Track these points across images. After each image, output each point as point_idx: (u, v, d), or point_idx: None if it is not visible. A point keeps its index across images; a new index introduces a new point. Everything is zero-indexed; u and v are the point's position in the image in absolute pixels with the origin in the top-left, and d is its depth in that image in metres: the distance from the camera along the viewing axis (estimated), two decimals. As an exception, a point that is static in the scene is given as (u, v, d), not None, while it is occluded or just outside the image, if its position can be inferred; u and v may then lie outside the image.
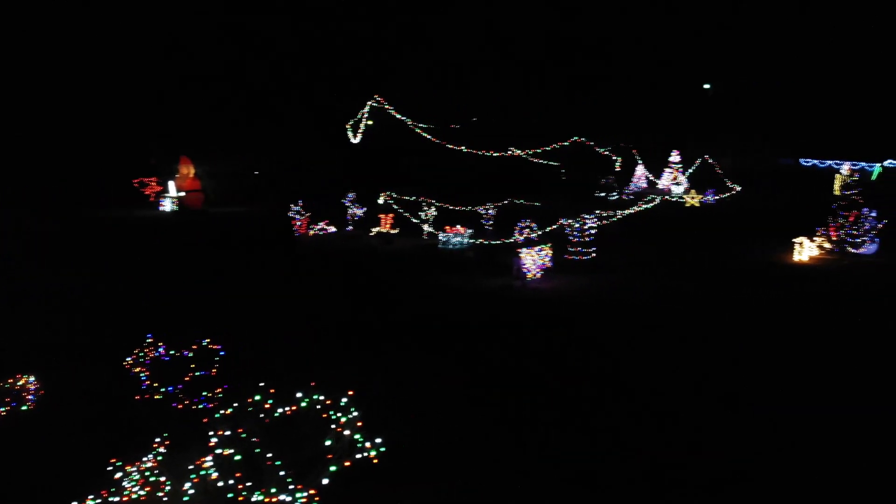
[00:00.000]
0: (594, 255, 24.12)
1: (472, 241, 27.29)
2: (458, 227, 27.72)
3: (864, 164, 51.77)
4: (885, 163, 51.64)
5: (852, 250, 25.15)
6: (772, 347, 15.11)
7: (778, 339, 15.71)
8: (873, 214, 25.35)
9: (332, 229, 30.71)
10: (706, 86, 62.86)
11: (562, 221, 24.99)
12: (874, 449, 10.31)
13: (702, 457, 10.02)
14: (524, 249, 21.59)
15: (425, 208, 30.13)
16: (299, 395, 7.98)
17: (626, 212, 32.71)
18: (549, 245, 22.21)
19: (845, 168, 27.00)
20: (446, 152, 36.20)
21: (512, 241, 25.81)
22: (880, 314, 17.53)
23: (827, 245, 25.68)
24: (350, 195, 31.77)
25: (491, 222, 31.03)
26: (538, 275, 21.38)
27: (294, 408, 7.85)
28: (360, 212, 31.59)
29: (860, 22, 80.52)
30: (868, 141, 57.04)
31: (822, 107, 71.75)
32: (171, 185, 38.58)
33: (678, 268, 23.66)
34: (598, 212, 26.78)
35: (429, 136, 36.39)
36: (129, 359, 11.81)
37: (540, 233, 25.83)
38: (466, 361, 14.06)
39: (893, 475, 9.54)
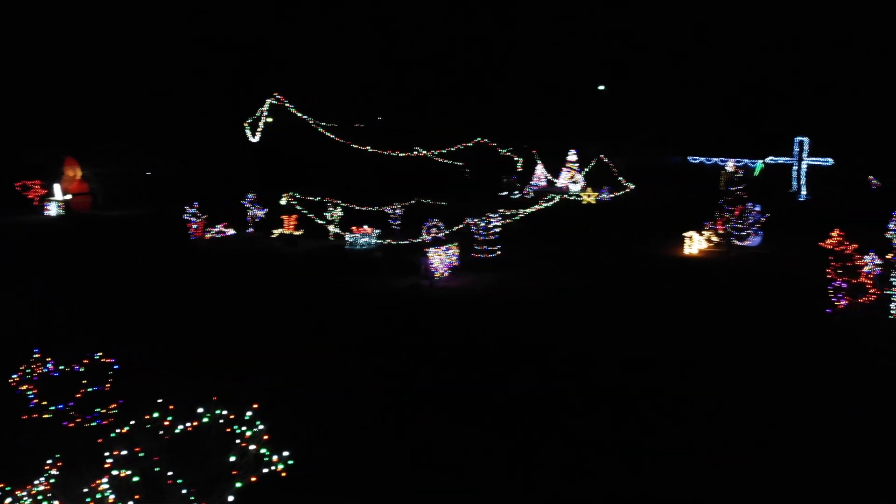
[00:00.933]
0: (499, 252, 24.55)
1: (379, 241, 27.15)
2: (366, 227, 27.51)
3: (747, 160, 55.22)
4: (767, 159, 55.24)
5: (738, 243, 26.71)
6: (665, 331, 15.91)
7: (670, 324, 16.56)
8: (757, 209, 27.03)
9: (231, 232, 29.69)
10: (600, 87, 65.28)
11: (468, 221, 25.29)
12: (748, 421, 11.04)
13: (611, 444, 10.37)
14: (432, 249, 21.69)
15: (330, 209, 29.69)
16: (200, 409, 7.66)
17: (529, 210, 33.50)
18: (455, 244, 22.40)
19: (730, 165, 28.59)
20: (351, 152, 35.78)
21: (419, 240, 25.86)
22: (763, 300, 18.85)
23: (714, 238, 27.16)
24: (250, 196, 30.83)
25: (398, 222, 30.98)
26: (446, 274, 21.54)
27: (195, 423, 7.53)
28: (260, 213, 30.70)
29: (742, 26, 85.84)
30: (750, 139, 60.94)
31: (709, 108, 76.15)
32: (57, 187, 36.27)
33: (577, 263, 24.52)
34: (501, 210, 27.26)
35: (332, 136, 35.83)
36: (14, 376, 11.03)
37: (447, 232, 26.02)
38: (377, 365, 13.95)
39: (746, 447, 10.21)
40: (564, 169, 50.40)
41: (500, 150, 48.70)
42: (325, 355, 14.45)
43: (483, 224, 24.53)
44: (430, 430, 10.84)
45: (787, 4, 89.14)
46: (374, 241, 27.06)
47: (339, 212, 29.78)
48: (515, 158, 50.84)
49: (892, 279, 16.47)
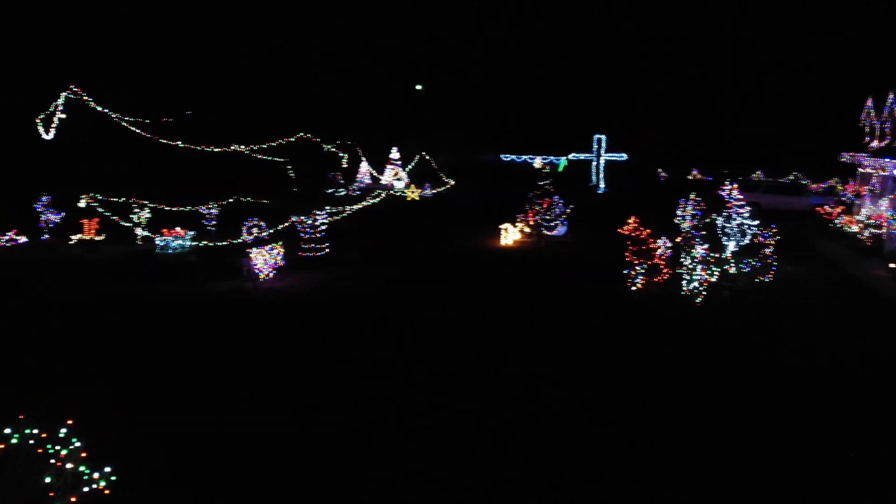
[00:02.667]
0: (328, 250, 24.32)
1: (194, 243, 25.72)
2: (178, 229, 25.89)
3: (552, 157, 59.32)
4: (570, 156, 59.70)
5: (547, 232, 28.75)
6: (489, 312, 16.75)
7: (493, 306, 17.47)
8: (562, 201, 29.25)
9: (23, 239, 26.57)
10: (418, 87, 66.79)
11: (293, 219, 24.74)
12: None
13: (470, 436, 10.71)
14: (254, 249, 20.95)
15: (137, 210, 27.58)
16: (7, 430, 6.85)
17: (355, 207, 33.53)
18: (280, 243, 21.80)
19: (538, 162, 30.59)
20: (160, 148, 33.35)
21: (240, 241, 24.85)
22: (573, 282, 20.61)
23: (527, 229, 28.99)
24: (44, 199, 27.76)
25: (214, 222, 29.54)
26: (271, 274, 20.92)
27: (2, 446, 6.72)
28: (56, 217, 27.75)
29: (547, 31, 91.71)
30: (555, 138, 65.55)
31: (517, 109, 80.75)
32: None
33: (404, 257, 25.04)
34: (328, 208, 27.03)
35: (138, 131, 33.18)
36: None
37: (270, 231, 25.26)
38: (197, 371, 13.25)
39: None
40: (388, 166, 51.06)
41: (324, 146, 48.05)
42: (141, 365, 13.46)
43: (309, 222, 24.15)
44: (261, 436, 10.51)
45: (582, 16, 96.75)
46: (188, 243, 25.58)
47: (146, 213, 27.77)
48: (340, 154, 50.51)
49: (681, 259, 18.59)
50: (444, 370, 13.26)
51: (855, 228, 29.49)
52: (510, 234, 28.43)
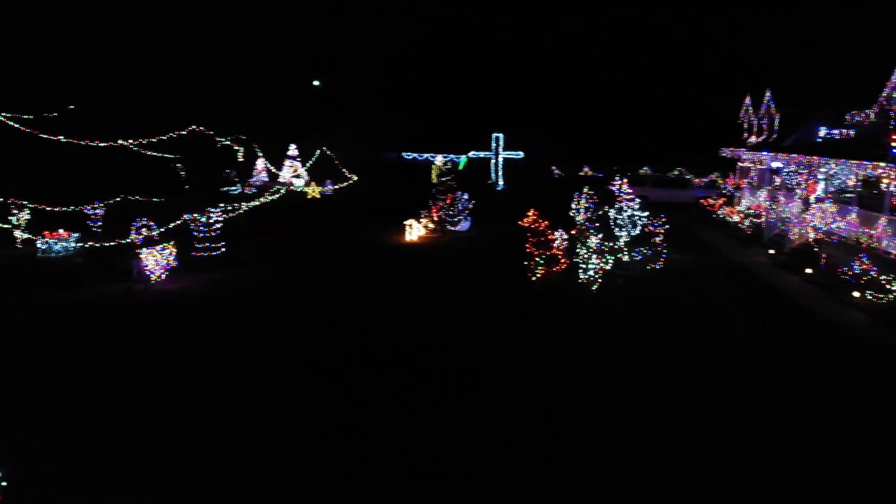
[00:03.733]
0: (224, 249, 23.49)
1: (79, 245, 24.19)
2: (61, 231, 24.27)
3: (453, 156, 59.93)
4: (470, 154, 60.46)
5: (451, 228, 29.02)
6: (398, 307, 16.71)
7: (402, 301, 17.44)
8: (465, 197, 29.61)
9: None
10: (316, 83, 65.67)
11: (185, 217, 23.71)
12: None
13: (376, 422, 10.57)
14: (144, 250, 19.93)
15: (16, 211, 25.65)
16: None
17: (253, 203, 32.57)
18: (172, 243, 20.83)
19: (439, 159, 30.88)
20: (40, 144, 31.08)
21: (129, 241, 23.57)
22: (478, 274, 20.87)
23: (431, 225, 29.17)
24: None
25: (100, 223, 27.91)
26: (163, 276, 19.99)
27: None
28: (-80, 221, 25.41)
29: (448, 32, 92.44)
30: (454, 137, 66.23)
31: (419, 108, 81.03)
32: None
33: (303, 255, 24.56)
34: (223, 205, 26.10)
35: (17, 126, 30.80)
36: None
37: (161, 230, 24.10)
38: (86, 378, 12.48)
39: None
40: (286, 163, 49.85)
41: (218, 140, 46.27)
42: (25, 374, 12.52)
43: (203, 220, 23.23)
44: (157, 442, 10.03)
45: (481, 17, 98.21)
46: (72, 245, 24.04)
47: (26, 214, 25.88)
48: (236, 148, 48.86)
49: (577, 250, 19.22)
50: (349, 365, 13.12)
51: (736, 218, 31.54)
52: (415, 230, 28.51)
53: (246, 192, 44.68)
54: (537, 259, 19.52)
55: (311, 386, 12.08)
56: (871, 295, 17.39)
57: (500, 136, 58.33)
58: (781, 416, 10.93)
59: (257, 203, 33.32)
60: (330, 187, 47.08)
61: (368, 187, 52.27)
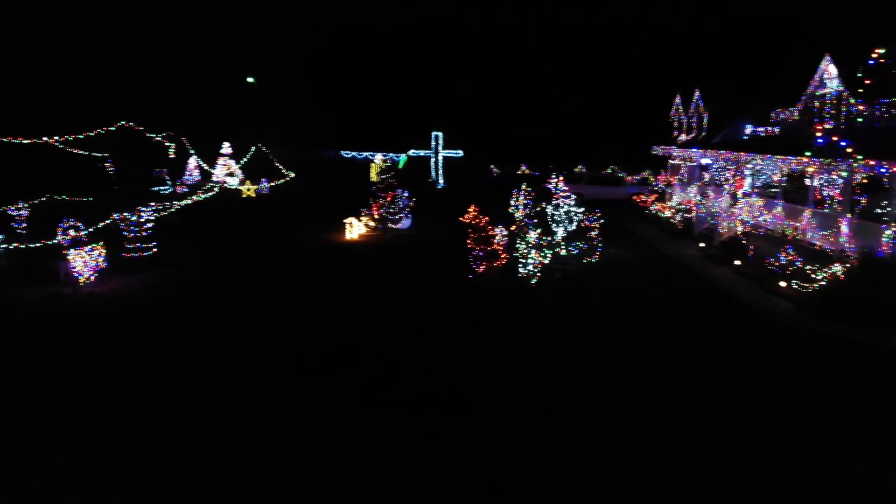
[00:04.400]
0: (155, 250, 22.74)
1: (3, 247, 22.99)
2: (-20, 232, 23.02)
3: (392, 154, 59.76)
4: (409, 152, 60.38)
5: (392, 225, 28.90)
6: (339, 304, 16.53)
7: (342, 298, 17.26)
8: (405, 194, 29.52)
9: None
10: (250, 79, 64.31)
11: (115, 217, 22.85)
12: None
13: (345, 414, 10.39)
14: (72, 251, 19.09)
15: (-73, 213, 24.25)
16: None
17: (185, 202, 31.65)
18: (101, 244, 20.02)
19: (378, 158, 30.69)
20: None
21: (55, 242, 22.56)
22: (416, 267, 20.84)
23: (371, 223, 28.98)
24: None
25: (24, 224, 26.63)
26: (92, 278, 19.20)
27: None
28: None
29: (387, 30, 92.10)
30: (394, 136, 66.07)
31: (357, 106, 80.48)
32: None
33: (239, 256, 24.03)
34: (153, 204, 25.26)
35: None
36: None
37: (90, 231, 23.15)
38: (12, 386, 11.89)
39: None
40: (220, 161, 48.63)
41: (148, 137, 44.67)
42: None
43: (133, 219, 22.42)
44: (86, 451, 9.63)
45: (420, 17, 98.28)
46: (-6, 247, 22.83)
47: (-61, 216, 24.49)
48: (167, 145, 47.32)
49: (517, 245, 19.45)
50: (286, 367, 12.91)
51: (668, 214, 32.52)
52: (355, 228, 28.26)
53: (178, 191, 43.42)
54: (479, 254, 19.65)
55: (250, 387, 11.82)
56: (796, 284, 18.19)
57: (440, 134, 58.47)
58: (708, 398, 11.31)
59: (190, 202, 32.39)
60: (266, 185, 46.23)
61: (306, 186, 51.56)
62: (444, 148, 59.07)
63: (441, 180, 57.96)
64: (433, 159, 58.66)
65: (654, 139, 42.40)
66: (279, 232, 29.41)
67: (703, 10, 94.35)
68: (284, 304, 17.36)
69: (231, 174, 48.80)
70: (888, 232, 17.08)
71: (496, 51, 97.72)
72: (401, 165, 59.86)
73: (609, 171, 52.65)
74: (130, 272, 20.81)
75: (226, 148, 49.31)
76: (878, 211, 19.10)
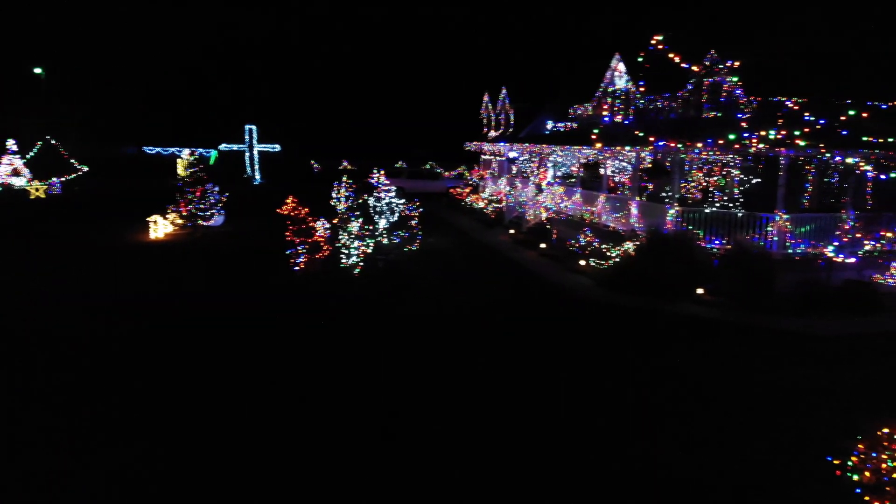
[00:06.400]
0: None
1: None
2: None
3: (201, 150, 56.85)
4: (221, 147, 57.80)
5: (203, 223, 27.40)
6: (142, 306, 15.51)
7: (146, 300, 16.20)
8: (216, 189, 28.11)
9: None
10: (38, 70, 57.84)
11: None
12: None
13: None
14: None
15: None
16: None
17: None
18: None
19: (185, 153, 28.95)
20: None
21: None
22: (230, 264, 20.10)
23: (180, 221, 27.24)
24: None
25: None
26: None
27: None
28: None
29: (192, 19, 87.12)
30: (203, 130, 62.95)
31: (159, 99, 75.46)
32: None
33: (35, 261, 21.69)
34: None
35: None
36: None
37: None
38: None
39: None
40: (4, 160, 43.21)
41: None
42: None
43: None
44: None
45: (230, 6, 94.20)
46: None
47: None
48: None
49: (339, 236, 19.45)
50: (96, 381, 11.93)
51: (481, 205, 34.21)
52: (160, 227, 26.50)
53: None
54: (299, 248, 19.37)
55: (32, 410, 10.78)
56: (594, 262, 19.97)
57: (254, 128, 56.70)
58: (516, 365, 12.15)
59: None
60: (58, 184, 41.98)
61: (105, 184, 47.52)
62: (259, 142, 57.31)
63: (258, 176, 56.20)
64: (248, 154, 56.73)
65: (467, 136, 44.29)
66: (74, 234, 26.81)
67: (509, 12, 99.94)
68: (82, 309, 15.94)
69: (17, 173, 43.62)
70: (671, 211, 19.30)
71: (315, 47, 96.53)
72: (212, 161, 57.09)
73: (428, 166, 54.20)
74: None
75: (11, 144, 43.91)
76: (663, 194, 21.50)
